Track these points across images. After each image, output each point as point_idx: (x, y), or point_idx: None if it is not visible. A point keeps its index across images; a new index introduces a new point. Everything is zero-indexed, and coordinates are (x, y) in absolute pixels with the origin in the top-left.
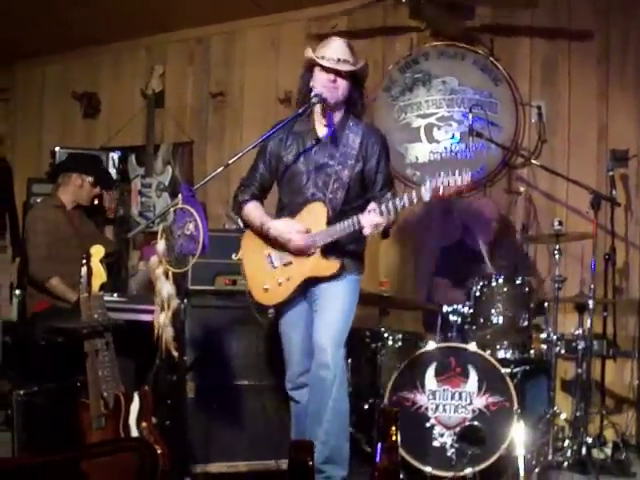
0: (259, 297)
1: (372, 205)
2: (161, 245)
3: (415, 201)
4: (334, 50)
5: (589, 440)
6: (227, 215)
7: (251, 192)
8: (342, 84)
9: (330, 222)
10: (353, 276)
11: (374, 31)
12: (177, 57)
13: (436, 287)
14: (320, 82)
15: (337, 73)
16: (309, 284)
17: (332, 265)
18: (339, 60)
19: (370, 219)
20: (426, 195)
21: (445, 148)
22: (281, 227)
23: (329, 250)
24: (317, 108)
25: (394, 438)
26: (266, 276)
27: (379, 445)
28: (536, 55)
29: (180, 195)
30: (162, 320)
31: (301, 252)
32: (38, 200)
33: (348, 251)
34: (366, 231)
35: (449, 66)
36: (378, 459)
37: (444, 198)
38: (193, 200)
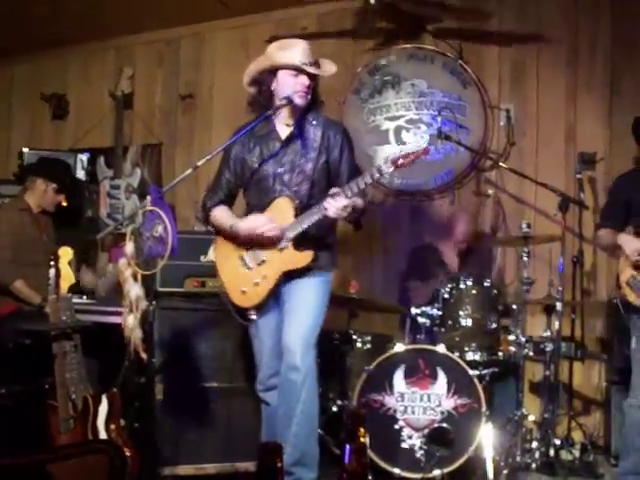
0: (238, 301)
1: (335, 189)
2: (130, 247)
3: (377, 175)
4: (307, 55)
5: (557, 442)
6: (196, 217)
7: (218, 198)
8: (309, 87)
9: (298, 216)
10: (324, 276)
11: (343, 33)
12: (146, 59)
13: (411, 288)
14: (292, 87)
15: (307, 76)
16: (280, 284)
17: (305, 255)
18: (305, 63)
19: (335, 203)
20: (388, 167)
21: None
22: (249, 223)
23: (302, 242)
24: (280, 110)
25: (362, 440)
26: (242, 279)
27: (347, 447)
28: (505, 58)
29: (149, 197)
30: (131, 322)
31: (272, 246)
32: (5, 202)
33: (319, 243)
34: (332, 215)
35: (418, 69)
36: (347, 460)
37: (404, 166)
38: (162, 202)
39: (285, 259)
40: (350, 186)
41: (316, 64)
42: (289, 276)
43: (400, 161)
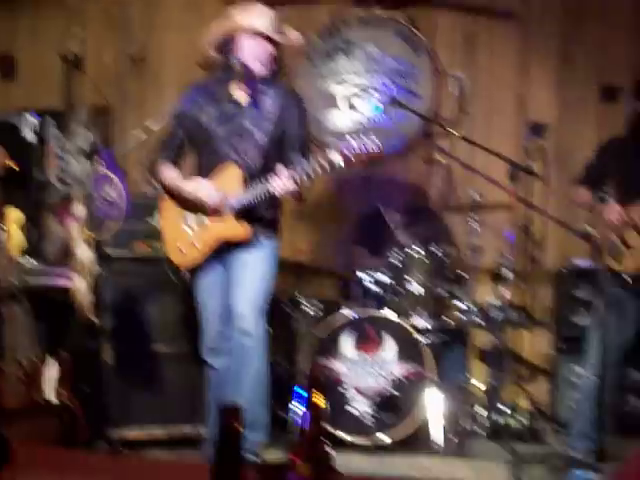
0: (175, 259)
1: (283, 170)
2: (80, 210)
3: (328, 168)
4: (271, 21)
5: (504, 409)
6: (146, 179)
7: (167, 156)
8: (268, 52)
9: (245, 185)
10: (270, 241)
11: None
12: (97, 20)
13: (355, 256)
14: (254, 53)
15: (267, 40)
16: (225, 250)
17: (245, 228)
18: (265, 28)
19: (280, 183)
20: (339, 162)
21: (365, 117)
22: (193, 187)
23: (243, 215)
24: (238, 74)
25: (320, 404)
26: (182, 238)
27: (306, 412)
28: (457, 26)
29: (101, 160)
30: (80, 286)
31: (214, 212)
32: None
33: (262, 217)
34: (275, 192)
35: (370, 35)
36: (305, 425)
37: (356, 164)
38: (113, 165)
39: (225, 228)
40: (298, 169)
41: (281, 32)
42: (233, 244)
43: (352, 158)
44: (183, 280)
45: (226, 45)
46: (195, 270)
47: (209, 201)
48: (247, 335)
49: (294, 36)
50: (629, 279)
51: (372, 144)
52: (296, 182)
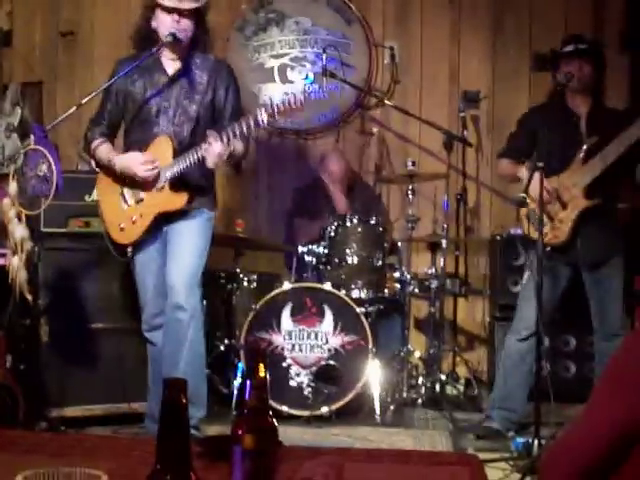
0: (116, 237)
1: (212, 134)
2: (13, 187)
3: (253, 124)
4: None
5: (442, 377)
6: (79, 156)
7: (100, 131)
8: (186, 24)
9: (176, 155)
10: (205, 214)
11: None
12: None
13: (297, 227)
14: (164, 24)
15: (180, 12)
16: (162, 223)
17: (181, 197)
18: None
19: (212, 149)
20: (262, 117)
21: (299, 89)
22: (125, 161)
23: (178, 184)
24: (165, 46)
25: (262, 375)
26: (121, 215)
27: (248, 382)
28: None
29: (32, 136)
30: (15, 263)
31: (149, 185)
32: None
33: (198, 185)
34: (209, 164)
35: (302, 6)
36: (247, 396)
37: (281, 117)
38: (45, 141)
39: (161, 200)
40: (226, 131)
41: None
42: (170, 216)
43: (276, 111)
44: (126, 257)
45: (148, 18)
46: (137, 245)
47: (141, 174)
48: (180, 309)
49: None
50: (549, 250)
51: (293, 98)
52: (224, 143)
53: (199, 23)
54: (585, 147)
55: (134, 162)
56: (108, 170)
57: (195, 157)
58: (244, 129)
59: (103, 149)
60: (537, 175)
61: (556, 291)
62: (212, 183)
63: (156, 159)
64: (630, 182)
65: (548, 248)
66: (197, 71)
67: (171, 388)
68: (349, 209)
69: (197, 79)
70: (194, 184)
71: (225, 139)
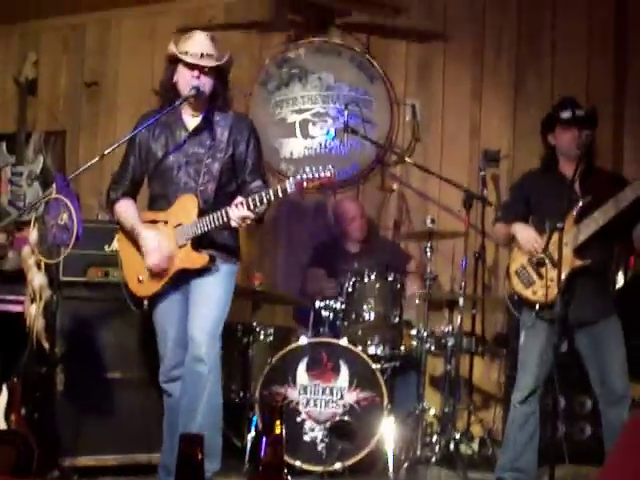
0: (134, 288)
1: (239, 198)
2: (33, 235)
3: (280, 194)
4: (197, 45)
5: (457, 436)
6: (100, 206)
7: (122, 190)
8: (206, 81)
9: (202, 213)
10: (228, 267)
11: (251, 25)
12: (51, 44)
13: (311, 278)
14: (184, 79)
15: (201, 69)
16: (183, 277)
17: (201, 258)
18: (202, 55)
19: (238, 213)
20: (290, 187)
21: (320, 144)
22: (148, 241)
23: (200, 242)
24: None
25: (279, 432)
26: (140, 267)
27: (264, 439)
28: (411, 54)
29: (54, 185)
30: (33, 311)
31: (151, 272)
32: None
33: (221, 242)
34: (233, 224)
35: (325, 62)
36: (263, 453)
37: (309, 190)
38: (67, 190)
39: (182, 257)
40: (254, 198)
41: (215, 56)
42: (189, 271)
43: (305, 184)
44: (141, 308)
45: (170, 72)
46: (153, 298)
47: (148, 263)
48: (200, 361)
49: (226, 59)
50: (537, 308)
51: (324, 171)
52: (250, 209)
53: (220, 80)
54: (578, 207)
55: (153, 247)
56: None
57: (220, 220)
58: (271, 197)
59: (126, 211)
60: (522, 228)
61: (552, 351)
62: (236, 238)
63: (181, 218)
64: (627, 245)
65: (537, 306)
66: (218, 128)
67: (188, 443)
68: (367, 265)
69: (218, 136)
70: (217, 241)
71: (252, 205)
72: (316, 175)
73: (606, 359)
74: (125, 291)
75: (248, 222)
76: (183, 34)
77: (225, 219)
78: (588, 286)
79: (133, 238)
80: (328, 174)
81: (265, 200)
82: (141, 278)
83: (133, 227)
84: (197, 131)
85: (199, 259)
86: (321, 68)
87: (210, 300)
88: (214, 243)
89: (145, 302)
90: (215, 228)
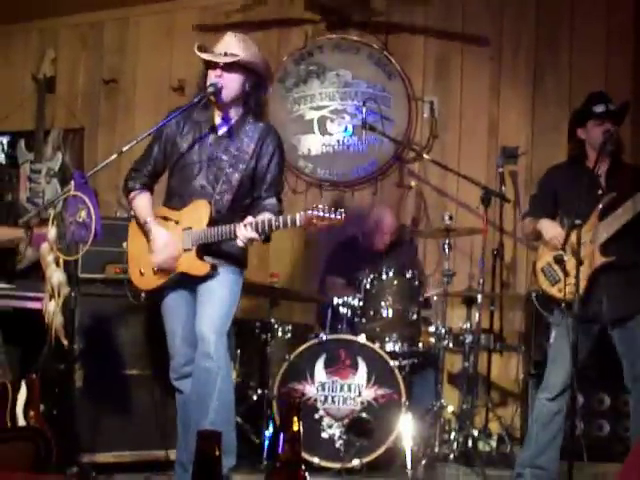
0: (135, 279)
1: (249, 219)
2: (52, 232)
3: (289, 224)
4: (222, 44)
5: (475, 433)
6: (118, 203)
7: (141, 181)
8: (229, 78)
9: (212, 222)
10: (233, 272)
11: (269, 22)
12: (70, 42)
13: (330, 286)
14: (208, 78)
15: (221, 67)
16: (186, 278)
17: (203, 267)
18: (225, 54)
19: (245, 233)
20: (299, 221)
21: (338, 141)
22: (158, 239)
23: (206, 250)
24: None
25: (296, 428)
26: (144, 261)
27: (281, 436)
28: (429, 51)
29: (73, 182)
30: (52, 308)
31: (160, 268)
32: None
33: (227, 251)
34: (239, 242)
35: (343, 59)
36: (280, 450)
37: (316, 228)
38: (86, 187)
39: (185, 261)
40: (263, 222)
41: (233, 55)
42: (192, 276)
43: (315, 222)
44: (139, 301)
45: (203, 73)
46: (153, 292)
47: (155, 259)
48: (208, 358)
49: (246, 55)
50: (564, 306)
51: (336, 213)
52: (258, 232)
53: (249, 80)
54: (602, 204)
55: (162, 246)
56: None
57: (227, 235)
58: (280, 225)
59: (141, 204)
60: (548, 224)
61: (581, 350)
62: (243, 250)
63: (191, 223)
64: None
65: (563, 305)
66: (245, 138)
67: (205, 440)
68: (385, 262)
69: (244, 147)
70: (224, 249)
71: (260, 229)
72: (326, 215)
73: (638, 354)
74: (127, 283)
75: (254, 244)
76: (202, 31)
77: (232, 235)
78: (619, 282)
79: (144, 231)
80: (339, 217)
81: (274, 227)
82: (142, 271)
83: (146, 222)
84: (225, 136)
85: (201, 267)
86: (339, 65)
87: (216, 299)
88: (221, 251)
89: (142, 295)
90: (221, 239)
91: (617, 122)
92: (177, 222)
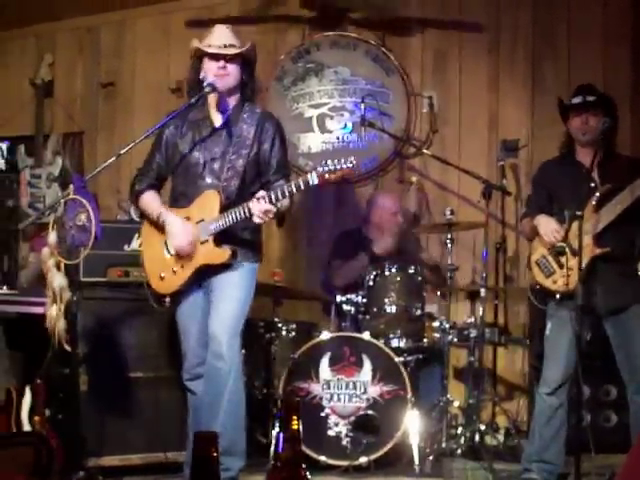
0: (156, 285)
1: (261, 192)
2: (52, 236)
3: (303, 186)
4: (219, 36)
5: (482, 427)
6: (119, 206)
7: (148, 182)
8: (232, 69)
9: (224, 210)
10: (249, 264)
11: (266, 20)
12: (67, 46)
13: (334, 269)
14: (210, 71)
15: (225, 59)
16: (205, 274)
17: (223, 253)
18: (225, 45)
19: (260, 207)
20: (313, 179)
21: (337, 138)
22: (174, 225)
23: (223, 238)
24: (211, 97)
25: (296, 427)
26: (162, 264)
27: (281, 435)
28: (427, 46)
29: (72, 186)
30: (54, 312)
31: (178, 256)
32: None
33: (242, 239)
34: (256, 219)
35: (341, 56)
36: (280, 449)
37: (331, 182)
38: (85, 191)
39: (204, 253)
40: (275, 191)
41: (238, 45)
42: (213, 268)
43: (327, 176)
44: (163, 306)
45: (196, 69)
46: (175, 295)
47: (179, 245)
48: (220, 359)
49: (248, 46)
50: (558, 298)
51: (346, 162)
52: (272, 203)
53: (246, 69)
54: (597, 195)
55: (180, 232)
56: (153, 221)
57: (242, 213)
58: (293, 190)
59: (151, 201)
60: (543, 219)
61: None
62: (258, 236)
63: (203, 214)
64: None
65: (558, 296)
66: (244, 125)
67: (201, 442)
68: (387, 257)
69: (244, 133)
70: (239, 238)
71: (274, 198)
72: (338, 166)
73: (634, 347)
74: (147, 288)
75: (271, 216)
76: (197, 30)
77: (247, 214)
78: (614, 273)
79: (157, 233)
80: (350, 165)
81: (287, 192)
82: (163, 275)
83: (160, 214)
84: (223, 127)
85: (222, 254)
86: (337, 62)
87: (230, 299)
88: (236, 240)
89: (167, 299)
90: (237, 223)
91: (601, 113)
92: (188, 218)
